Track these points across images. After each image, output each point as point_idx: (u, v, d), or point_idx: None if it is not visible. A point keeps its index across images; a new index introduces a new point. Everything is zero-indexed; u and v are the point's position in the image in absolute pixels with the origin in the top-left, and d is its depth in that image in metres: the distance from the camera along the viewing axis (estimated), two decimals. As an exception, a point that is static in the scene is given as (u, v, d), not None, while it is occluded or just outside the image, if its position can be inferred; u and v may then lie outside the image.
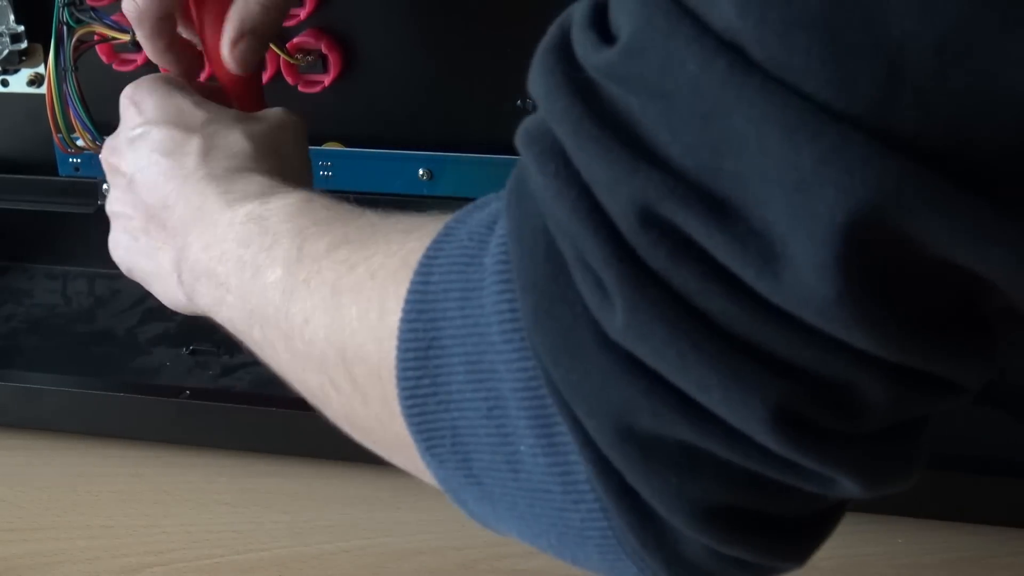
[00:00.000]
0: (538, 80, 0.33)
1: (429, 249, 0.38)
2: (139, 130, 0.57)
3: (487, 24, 0.71)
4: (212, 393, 0.71)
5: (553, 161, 0.32)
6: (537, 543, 0.38)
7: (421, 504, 0.67)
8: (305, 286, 0.42)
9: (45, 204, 0.82)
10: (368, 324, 0.39)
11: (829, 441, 0.32)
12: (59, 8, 0.67)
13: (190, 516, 0.68)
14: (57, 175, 0.81)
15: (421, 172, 0.74)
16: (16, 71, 0.78)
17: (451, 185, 0.74)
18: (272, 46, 0.67)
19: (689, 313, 0.31)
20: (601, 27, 0.32)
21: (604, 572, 0.37)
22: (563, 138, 0.32)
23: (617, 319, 0.31)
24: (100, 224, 0.61)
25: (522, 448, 0.35)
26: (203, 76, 0.65)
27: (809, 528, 0.36)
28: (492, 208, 0.37)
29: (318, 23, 0.73)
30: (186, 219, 0.52)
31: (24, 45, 0.76)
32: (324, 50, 0.72)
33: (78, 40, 0.68)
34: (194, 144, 0.54)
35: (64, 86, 0.68)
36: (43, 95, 0.70)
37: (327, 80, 0.73)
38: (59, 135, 0.70)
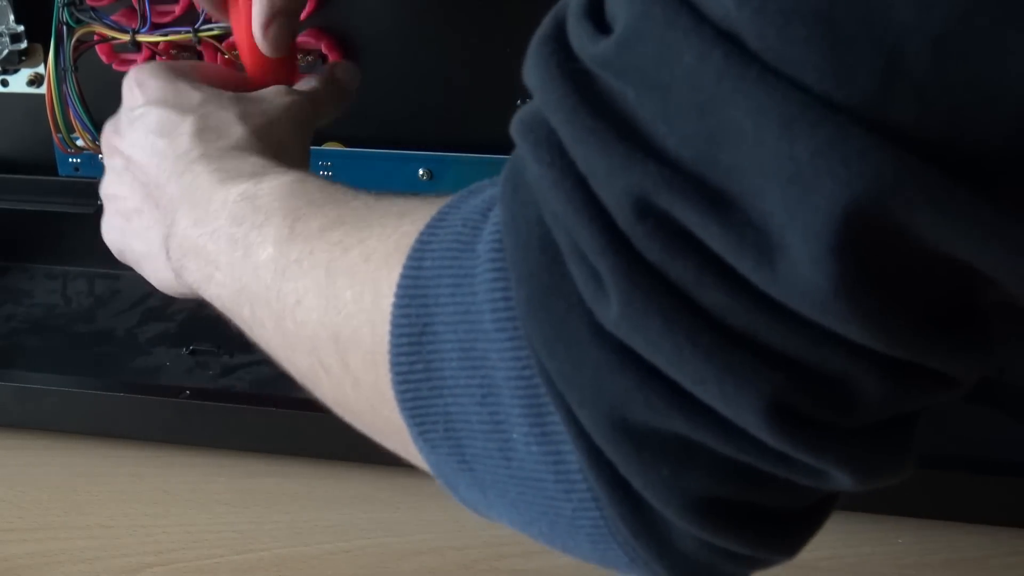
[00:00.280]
0: (533, 70, 0.33)
1: (423, 234, 0.38)
2: (138, 111, 0.57)
3: (487, 24, 0.71)
4: (212, 393, 0.71)
5: (549, 151, 0.32)
6: (528, 530, 0.38)
7: (421, 504, 0.67)
8: (297, 266, 0.42)
9: (45, 204, 0.82)
10: (363, 307, 0.39)
11: (823, 434, 0.31)
12: (59, 8, 0.67)
13: (190, 516, 0.68)
14: (57, 175, 0.81)
15: (421, 172, 0.74)
16: (16, 71, 0.78)
17: (451, 185, 0.74)
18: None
19: (685, 305, 0.31)
20: (596, 17, 0.32)
21: (595, 561, 0.37)
22: (558, 128, 0.32)
23: (612, 310, 0.31)
24: (100, 224, 0.61)
25: (515, 436, 0.35)
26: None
27: (800, 521, 0.36)
28: (486, 195, 0.37)
29: (318, 23, 0.73)
30: (177, 197, 0.52)
31: (24, 45, 0.75)
32: (324, 50, 0.72)
33: (78, 40, 0.68)
34: (188, 124, 0.55)
35: (64, 86, 0.68)
36: (43, 95, 0.70)
37: (327, 80, 0.73)
38: (59, 135, 0.70)
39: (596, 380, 0.32)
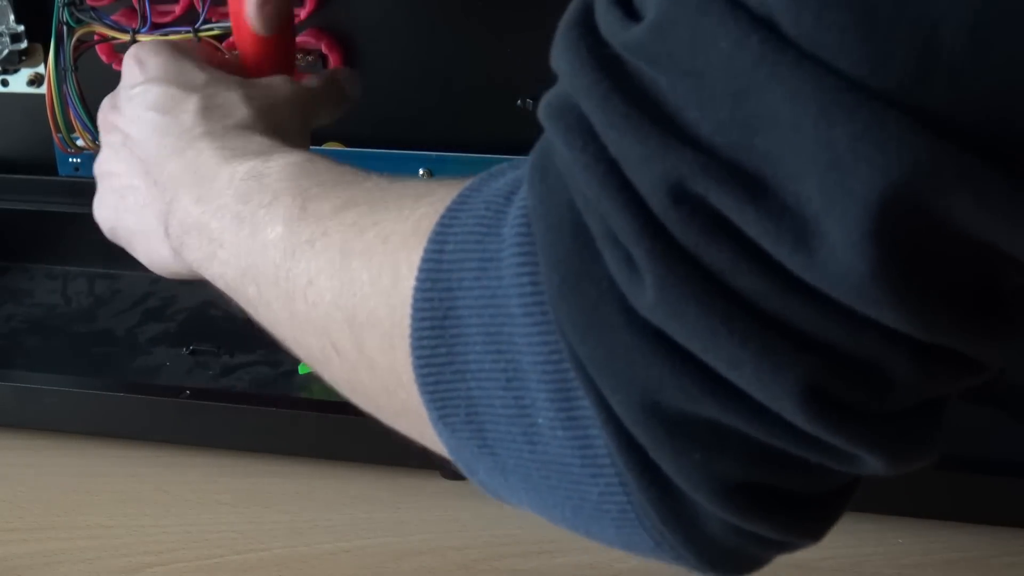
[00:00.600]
0: (562, 55, 0.33)
1: (444, 217, 0.37)
2: (139, 88, 0.56)
3: (487, 24, 0.72)
4: (212, 393, 0.71)
5: (580, 136, 0.32)
6: (549, 514, 0.38)
7: (421, 504, 0.67)
8: (309, 246, 0.42)
9: (45, 204, 0.82)
10: (380, 289, 0.39)
11: (856, 419, 0.32)
12: (59, 8, 0.67)
13: (190, 516, 0.68)
14: (57, 175, 0.81)
15: (421, 172, 0.74)
16: (16, 71, 0.78)
17: (451, 185, 0.74)
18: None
19: (720, 290, 0.31)
20: (624, 3, 0.32)
21: (619, 546, 0.37)
22: (590, 113, 0.32)
23: (647, 295, 0.31)
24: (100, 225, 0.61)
25: (540, 421, 0.35)
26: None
27: (826, 505, 0.36)
28: (509, 177, 0.37)
29: (318, 23, 0.73)
30: (178, 174, 0.51)
31: (24, 45, 0.76)
32: (324, 50, 0.72)
33: (78, 40, 0.68)
34: (192, 102, 0.54)
35: (64, 86, 0.68)
36: (43, 95, 0.70)
37: (327, 80, 0.73)
38: (59, 135, 0.70)
39: (629, 365, 0.32)
